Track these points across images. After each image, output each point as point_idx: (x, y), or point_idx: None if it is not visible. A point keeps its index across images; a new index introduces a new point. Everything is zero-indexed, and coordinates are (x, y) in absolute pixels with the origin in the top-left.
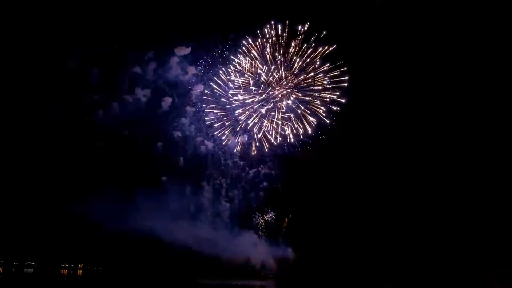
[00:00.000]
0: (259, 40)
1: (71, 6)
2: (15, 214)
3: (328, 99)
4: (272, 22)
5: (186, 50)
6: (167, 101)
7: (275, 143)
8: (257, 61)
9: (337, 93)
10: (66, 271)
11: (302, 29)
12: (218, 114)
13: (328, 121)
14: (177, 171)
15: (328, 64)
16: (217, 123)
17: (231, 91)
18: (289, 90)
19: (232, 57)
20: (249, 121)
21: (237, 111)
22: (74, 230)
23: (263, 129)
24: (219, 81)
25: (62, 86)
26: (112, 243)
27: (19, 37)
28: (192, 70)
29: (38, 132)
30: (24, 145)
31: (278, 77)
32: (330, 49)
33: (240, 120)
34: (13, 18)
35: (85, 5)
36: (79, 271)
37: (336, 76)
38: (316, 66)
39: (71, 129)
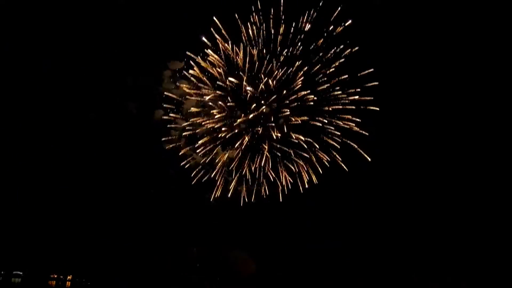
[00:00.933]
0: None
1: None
2: (3, 222)
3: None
4: None
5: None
6: (158, 113)
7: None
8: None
9: (358, 120)
10: (54, 282)
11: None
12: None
13: (346, 168)
14: (166, 184)
15: (346, 76)
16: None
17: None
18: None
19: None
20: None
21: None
22: (64, 241)
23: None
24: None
25: (51, 95)
26: (101, 256)
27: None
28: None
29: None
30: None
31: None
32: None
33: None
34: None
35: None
36: (67, 282)
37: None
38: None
39: (58, 140)
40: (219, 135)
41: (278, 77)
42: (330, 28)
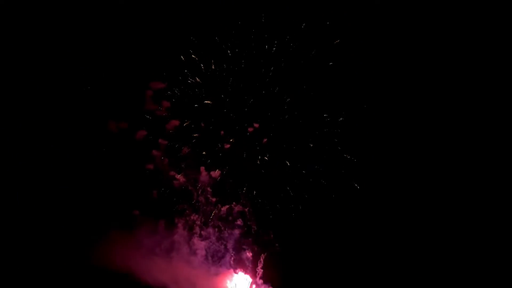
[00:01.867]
0: None
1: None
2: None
3: None
4: None
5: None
6: (140, 134)
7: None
8: None
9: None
10: None
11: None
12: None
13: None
14: (150, 205)
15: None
16: None
17: None
18: None
19: None
20: None
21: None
22: (44, 265)
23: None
24: None
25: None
26: (83, 279)
27: None
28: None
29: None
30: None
31: None
32: None
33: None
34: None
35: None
36: None
37: None
38: None
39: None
40: (202, 159)
41: (262, 99)
42: (316, 49)
